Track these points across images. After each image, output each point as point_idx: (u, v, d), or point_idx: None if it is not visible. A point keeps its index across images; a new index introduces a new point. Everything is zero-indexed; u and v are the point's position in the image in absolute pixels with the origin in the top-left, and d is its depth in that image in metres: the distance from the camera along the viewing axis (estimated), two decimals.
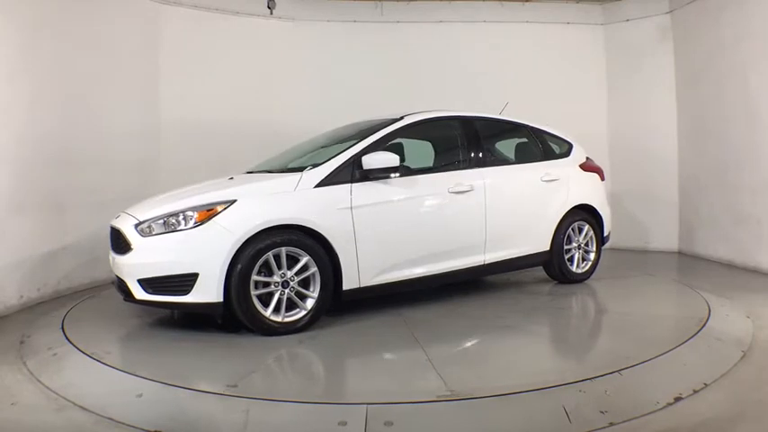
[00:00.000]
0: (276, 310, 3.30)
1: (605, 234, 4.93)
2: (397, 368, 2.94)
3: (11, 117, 4.22)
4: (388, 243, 3.66)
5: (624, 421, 2.31)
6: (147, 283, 3.24)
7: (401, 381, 2.69)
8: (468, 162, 4.20)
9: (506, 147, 4.76)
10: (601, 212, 4.84)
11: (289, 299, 3.34)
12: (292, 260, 3.35)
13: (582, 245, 4.71)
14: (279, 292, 3.31)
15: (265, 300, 3.29)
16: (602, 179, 5.00)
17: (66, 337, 3.29)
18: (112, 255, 3.55)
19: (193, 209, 3.27)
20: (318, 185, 3.49)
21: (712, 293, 4.25)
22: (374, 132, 3.84)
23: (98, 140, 5.09)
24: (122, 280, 3.37)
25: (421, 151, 4.43)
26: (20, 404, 2.57)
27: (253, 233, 3.21)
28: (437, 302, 4.10)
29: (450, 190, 3.96)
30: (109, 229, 3.66)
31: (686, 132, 6.59)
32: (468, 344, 3.28)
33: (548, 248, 4.49)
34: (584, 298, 4.36)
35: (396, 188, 3.72)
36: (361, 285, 3.57)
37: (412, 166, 4.04)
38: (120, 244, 3.45)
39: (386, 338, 3.33)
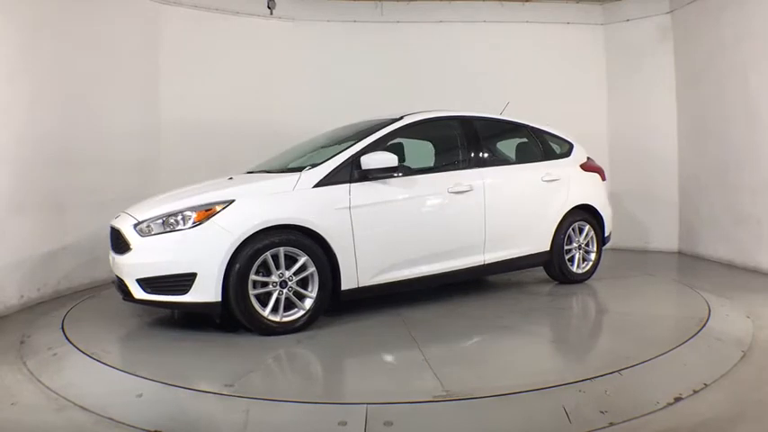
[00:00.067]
0: (274, 309, 3.30)
1: (606, 234, 4.93)
2: (394, 368, 2.94)
3: (11, 117, 4.22)
4: (386, 243, 3.66)
5: (624, 421, 2.31)
6: (145, 283, 3.25)
7: (398, 381, 2.69)
8: (467, 162, 4.20)
9: (506, 147, 4.76)
10: (601, 213, 4.84)
11: (287, 299, 3.34)
12: (291, 260, 3.35)
13: (582, 245, 4.71)
14: (277, 291, 3.31)
15: (264, 299, 3.29)
16: (604, 179, 5.00)
17: (67, 337, 3.29)
18: (112, 254, 3.56)
19: (192, 209, 3.27)
20: (317, 185, 3.49)
21: (712, 293, 4.25)
22: (373, 132, 3.84)
23: (98, 140, 5.09)
24: (122, 279, 3.38)
25: (420, 151, 4.42)
26: (20, 404, 2.57)
27: (251, 233, 3.22)
28: (437, 302, 4.10)
29: (450, 190, 3.95)
30: (109, 229, 3.66)
31: (686, 132, 6.58)
32: (467, 344, 3.27)
33: (548, 249, 4.49)
34: (585, 298, 4.35)
35: (394, 188, 3.72)
36: (360, 285, 3.57)
37: (411, 166, 4.04)
38: (119, 244, 3.45)
39: (384, 338, 3.33)
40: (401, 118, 4.05)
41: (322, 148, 4.16)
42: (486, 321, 3.65)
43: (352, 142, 3.77)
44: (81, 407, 2.49)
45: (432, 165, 4.33)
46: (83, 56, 4.93)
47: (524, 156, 4.69)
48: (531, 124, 4.75)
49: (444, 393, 2.42)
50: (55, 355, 3.08)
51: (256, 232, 3.24)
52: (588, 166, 4.87)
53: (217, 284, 3.16)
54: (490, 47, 6.95)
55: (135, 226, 3.34)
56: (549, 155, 4.70)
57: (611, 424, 2.29)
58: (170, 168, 5.76)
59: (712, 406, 2.48)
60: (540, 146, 4.70)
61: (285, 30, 6.63)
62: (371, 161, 3.57)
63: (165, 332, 3.51)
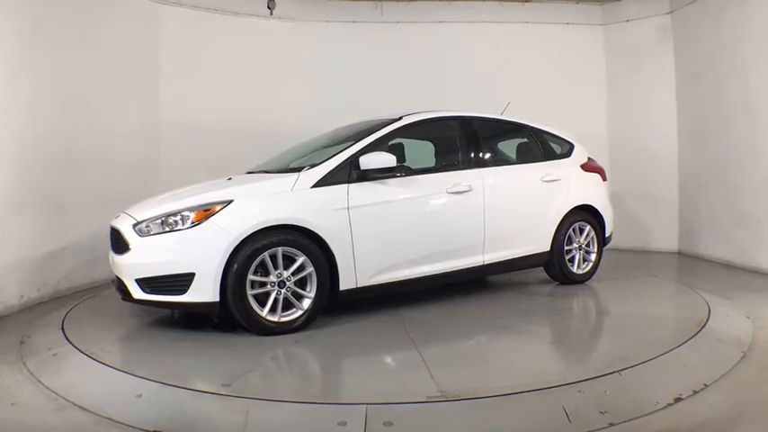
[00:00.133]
0: (272, 309, 3.31)
1: (607, 235, 4.92)
2: (391, 369, 2.94)
3: (11, 117, 4.22)
4: (385, 243, 3.67)
5: (624, 422, 2.31)
6: (144, 283, 3.26)
7: (395, 381, 2.69)
8: (467, 162, 4.20)
9: (506, 147, 4.75)
10: (602, 213, 4.83)
11: (285, 299, 3.34)
12: (289, 260, 3.35)
13: (583, 245, 4.70)
14: (275, 291, 3.31)
15: (262, 299, 3.29)
16: (604, 179, 5.00)
17: (66, 338, 3.29)
18: (111, 254, 3.56)
19: (190, 209, 3.28)
20: (315, 186, 3.50)
21: (712, 294, 4.25)
22: (372, 133, 3.84)
23: (98, 140, 5.09)
24: (121, 279, 3.39)
25: (420, 151, 4.42)
26: (20, 404, 2.57)
27: (249, 233, 3.22)
28: (436, 303, 4.10)
29: (449, 190, 3.95)
30: (109, 229, 3.66)
31: (686, 132, 6.58)
32: (466, 344, 3.26)
33: (548, 249, 4.49)
34: (585, 299, 4.35)
35: (393, 188, 3.72)
36: (359, 285, 3.57)
37: (411, 167, 4.03)
38: (118, 244, 3.45)
39: (382, 339, 3.33)
40: (400, 118, 4.05)
41: (322, 148, 4.16)
42: (485, 322, 3.65)
43: (351, 143, 3.77)
44: (81, 407, 2.49)
45: (431, 165, 4.33)
46: (83, 56, 4.93)
47: (524, 156, 4.69)
48: (532, 124, 4.74)
49: (439, 394, 2.41)
50: (55, 355, 3.08)
51: (254, 232, 3.24)
52: (589, 167, 4.87)
53: (215, 284, 3.17)
54: (490, 47, 6.95)
55: (134, 226, 3.35)
56: (549, 155, 4.70)
57: (611, 424, 2.29)
58: (170, 168, 5.76)
59: (712, 406, 2.48)
60: (540, 146, 4.70)
61: (285, 30, 6.63)
62: (370, 161, 3.57)
63: (164, 332, 3.51)
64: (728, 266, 5.73)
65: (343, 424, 2.23)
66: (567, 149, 4.85)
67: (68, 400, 2.56)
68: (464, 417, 2.31)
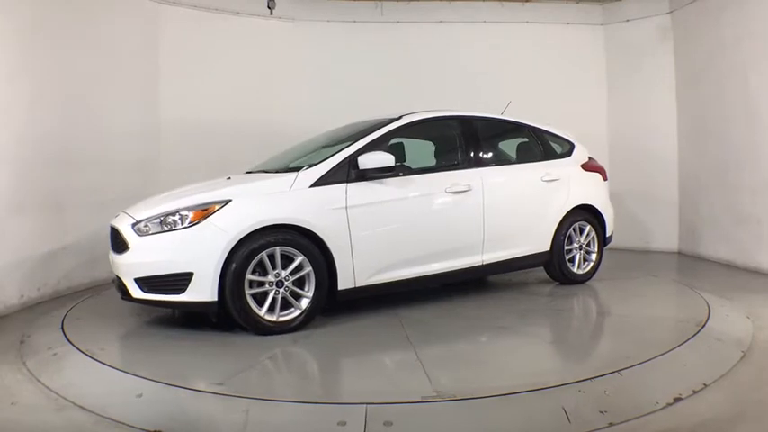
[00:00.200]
0: (271, 309, 3.31)
1: (608, 234, 4.91)
2: (389, 368, 2.93)
3: (11, 117, 4.22)
4: (383, 243, 3.67)
5: (624, 421, 2.31)
6: (143, 282, 3.27)
7: (393, 381, 2.69)
8: (466, 162, 4.19)
9: (506, 147, 4.75)
10: (603, 213, 4.82)
11: (283, 298, 3.35)
12: (287, 260, 3.36)
13: (583, 245, 4.69)
14: (273, 291, 3.32)
15: (260, 299, 3.30)
16: (605, 179, 4.99)
17: (66, 337, 3.29)
18: (111, 254, 3.57)
19: (188, 209, 3.29)
20: (314, 185, 3.50)
21: (712, 294, 4.25)
22: (371, 132, 3.84)
23: (98, 140, 5.09)
24: (120, 279, 3.40)
25: (419, 151, 4.42)
26: (20, 404, 2.57)
27: (246, 233, 3.23)
28: (434, 303, 4.09)
29: (448, 190, 3.95)
30: (109, 228, 3.66)
31: (686, 132, 6.58)
32: (465, 344, 3.25)
33: (548, 249, 4.49)
34: (585, 299, 4.35)
35: (391, 188, 3.72)
36: (357, 285, 3.57)
37: (410, 166, 4.03)
38: (118, 243, 3.46)
39: (380, 338, 3.33)
40: (399, 118, 4.05)
41: (322, 147, 4.16)
42: (483, 322, 3.65)
43: (350, 142, 3.78)
44: (81, 407, 2.49)
45: (430, 165, 4.33)
46: (83, 56, 4.93)
47: (524, 155, 4.69)
48: (532, 124, 4.74)
49: (435, 394, 2.41)
50: (55, 354, 3.08)
51: (252, 232, 3.25)
52: (589, 166, 4.86)
53: (213, 284, 3.18)
54: (490, 47, 6.95)
55: (133, 225, 3.36)
56: (549, 155, 4.69)
57: (611, 424, 2.29)
58: (170, 168, 5.76)
59: (712, 406, 2.48)
60: (540, 146, 4.70)
61: (285, 30, 6.63)
62: (368, 161, 3.57)
63: (163, 331, 3.52)
64: (729, 266, 5.73)
65: (343, 424, 2.23)
66: (568, 149, 4.85)
67: (68, 400, 2.56)
68: (463, 417, 2.31)
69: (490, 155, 4.45)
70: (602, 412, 2.35)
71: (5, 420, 2.43)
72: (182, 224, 3.25)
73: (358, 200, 3.56)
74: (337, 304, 3.63)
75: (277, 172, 3.82)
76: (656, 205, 6.83)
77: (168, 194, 3.70)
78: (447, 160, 4.39)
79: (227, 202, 3.30)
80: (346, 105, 6.22)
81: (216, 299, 3.20)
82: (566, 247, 4.57)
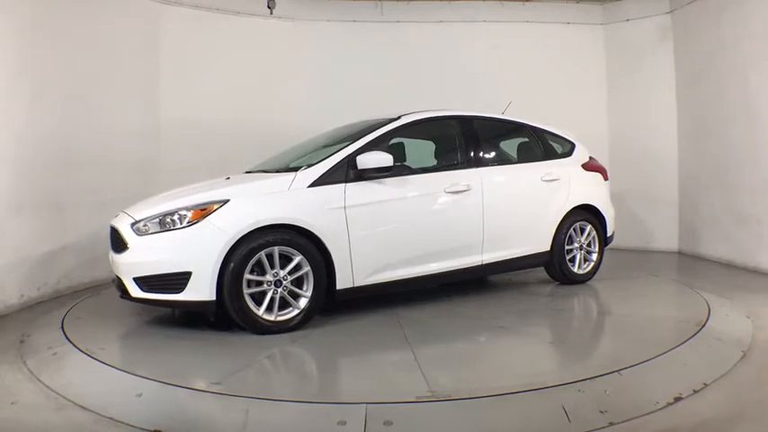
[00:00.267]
0: (269, 308, 3.32)
1: (609, 234, 4.91)
2: (387, 368, 2.92)
3: (11, 117, 4.22)
4: (382, 243, 3.67)
5: (624, 421, 2.31)
6: (142, 282, 3.27)
7: (391, 381, 2.68)
8: (465, 162, 4.19)
9: (506, 146, 4.75)
10: (603, 213, 4.81)
11: (282, 298, 3.35)
12: (286, 259, 3.36)
13: (584, 245, 4.69)
14: (272, 290, 3.32)
15: (258, 298, 3.30)
16: (606, 179, 4.99)
17: (66, 337, 3.29)
18: (111, 253, 3.57)
19: (187, 208, 3.30)
20: (312, 185, 3.50)
21: (712, 294, 4.24)
22: (370, 132, 3.84)
23: (98, 140, 5.09)
24: (120, 278, 3.40)
25: (418, 151, 4.42)
26: (20, 403, 2.57)
27: (245, 233, 3.23)
28: (433, 302, 4.09)
29: (447, 190, 3.95)
30: (109, 228, 3.67)
31: (686, 132, 6.58)
32: (463, 344, 3.24)
33: (548, 249, 4.48)
34: (585, 299, 4.35)
35: (390, 188, 3.72)
36: (355, 285, 3.58)
37: (409, 166, 4.03)
38: (117, 243, 3.47)
39: (378, 338, 3.33)
40: (398, 118, 4.05)
41: (322, 147, 4.16)
42: (482, 322, 3.64)
43: (348, 142, 3.78)
44: (81, 406, 2.49)
45: (429, 164, 4.32)
46: (83, 56, 4.93)
47: (524, 155, 4.68)
48: (532, 123, 4.74)
49: (429, 394, 2.41)
50: (55, 354, 3.08)
51: (251, 231, 3.25)
52: (590, 166, 4.86)
53: (211, 283, 3.18)
54: (490, 47, 6.95)
55: (132, 225, 3.37)
56: (549, 154, 4.69)
57: (611, 424, 2.29)
58: (170, 168, 5.76)
59: (712, 406, 2.48)
60: (540, 145, 4.69)
61: (285, 29, 6.63)
62: (367, 161, 3.57)
63: (162, 330, 3.52)
64: (729, 266, 5.73)
65: (343, 423, 2.23)
66: (569, 149, 4.84)
67: (68, 400, 2.56)
68: (463, 417, 2.31)
69: (490, 154, 4.45)
70: (602, 412, 2.35)
71: (6, 420, 2.43)
72: (180, 224, 3.26)
73: (356, 200, 3.56)
74: (336, 304, 3.64)
75: (276, 172, 3.82)
76: (656, 205, 6.83)
77: (167, 194, 3.71)
78: (446, 160, 4.39)
79: (226, 201, 3.30)
80: (346, 105, 6.22)
81: (214, 298, 3.20)
82: (566, 247, 4.57)
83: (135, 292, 3.31)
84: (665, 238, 6.80)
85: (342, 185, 3.56)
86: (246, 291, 3.25)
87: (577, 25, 7.08)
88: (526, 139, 4.75)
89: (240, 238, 3.23)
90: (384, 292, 3.82)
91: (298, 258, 3.37)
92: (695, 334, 3.20)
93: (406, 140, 4.25)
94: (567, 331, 3.63)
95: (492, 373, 2.76)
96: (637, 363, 2.73)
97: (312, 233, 3.40)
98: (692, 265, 6.09)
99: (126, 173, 5.38)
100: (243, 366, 2.80)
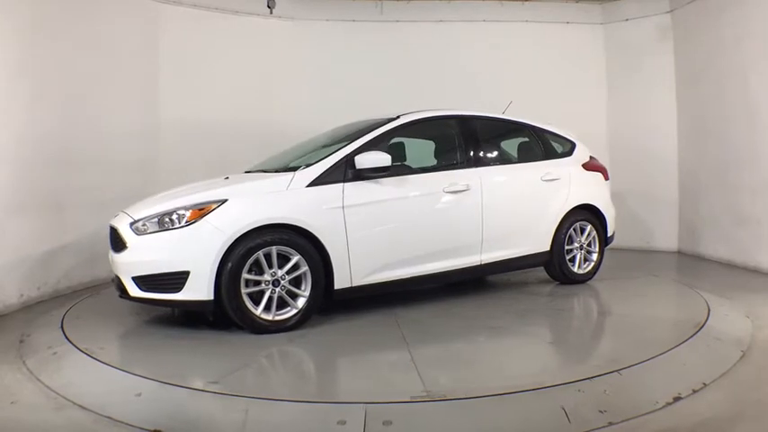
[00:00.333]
0: (267, 308, 3.32)
1: (609, 234, 4.90)
2: (384, 368, 2.91)
3: (11, 117, 4.22)
4: (380, 243, 3.67)
5: (623, 421, 2.31)
6: (140, 281, 3.28)
7: (389, 381, 2.68)
8: (464, 161, 4.19)
9: (506, 146, 4.74)
10: (604, 212, 4.80)
11: (280, 297, 3.35)
12: (284, 259, 3.37)
13: (584, 245, 4.68)
14: (269, 290, 3.33)
15: (256, 298, 3.31)
16: (607, 179, 4.98)
17: (66, 336, 3.29)
18: (111, 253, 3.58)
19: (185, 208, 3.30)
20: (310, 185, 3.50)
21: (712, 293, 4.24)
22: (368, 132, 3.84)
23: (98, 140, 5.09)
24: (119, 277, 3.41)
25: (417, 151, 4.42)
26: (19, 403, 2.57)
27: (242, 232, 3.24)
28: (432, 302, 4.09)
29: (446, 189, 3.95)
30: (108, 228, 3.67)
31: (686, 132, 6.58)
32: (462, 344, 3.23)
33: (548, 249, 4.48)
34: (585, 299, 4.34)
35: (388, 188, 3.72)
36: (353, 285, 3.58)
37: (408, 166, 4.03)
38: (117, 242, 3.48)
39: (375, 338, 3.33)
40: (397, 117, 4.05)
41: (321, 147, 4.16)
42: (481, 322, 3.63)
43: (347, 142, 3.78)
44: (80, 406, 2.49)
45: (428, 164, 4.32)
46: (83, 56, 4.93)
47: (524, 155, 4.68)
48: (532, 123, 4.73)
49: (424, 394, 2.41)
50: (54, 353, 3.08)
51: (249, 231, 3.26)
52: (591, 166, 4.85)
53: (209, 283, 3.19)
54: (490, 46, 6.94)
55: (131, 225, 3.37)
56: (549, 154, 4.68)
57: (610, 423, 2.29)
58: (170, 168, 5.75)
59: (711, 405, 2.48)
60: (540, 145, 4.69)
61: (285, 29, 6.63)
62: (365, 161, 3.57)
63: (161, 330, 3.52)
64: (729, 266, 5.73)
65: (343, 423, 2.23)
66: (569, 148, 4.84)
67: (68, 399, 2.56)
68: (462, 417, 2.31)
69: (489, 154, 4.44)
70: (601, 412, 2.34)
71: (5, 419, 2.43)
72: (179, 223, 3.27)
73: (355, 199, 3.57)
74: (334, 304, 3.64)
75: (275, 171, 3.82)
76: (655, 205, 6.83)
77: (166, 194, 3.72)
78: (446, 160, 4.39)
79: (224, 201, 3.31)
80: (346, 105, 6.21)
81: (212, 298, 3.21)
82: (566, 247, 4.57)
83: (133, 291, 3.31)
84: (665, 237, 6.80)
85: (340, 185, 3.56)
86: (244, 290, 3.25)
87: (577, 25, 7.08)
88: (526, 139, 4.75)
89: (238, 238, 3.23)
90: (382, 292, 3.82)
91: (296, 258, 3.37)
92: (695, 334, 3.20)
93: (407, 140, 4.25)
94: (567, 331, 3.63)
95: (490, 373, 2.76)
96: (636, 363, 2.73)
97: (310, 233, 3.40)
98: (691, 264, 6.09)
99: (126, 173, 5.38)
100: (241, 366, 2.81)
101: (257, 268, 3.31)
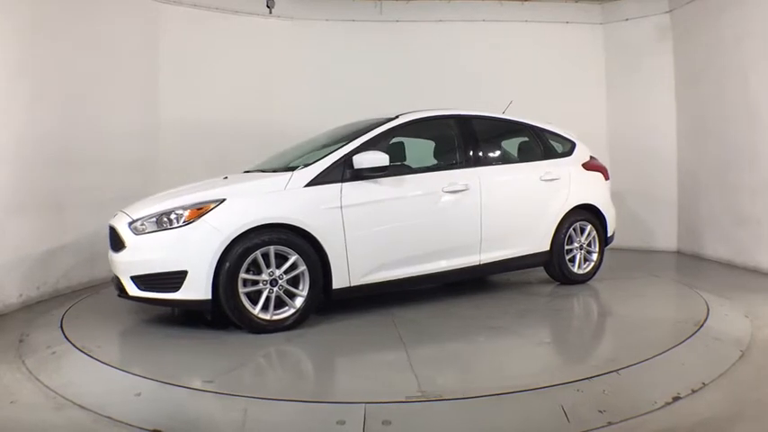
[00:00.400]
0: (265, 308, 3.33)
1: (609, 234, 4.89)
2: (377, 368, 2.90)
3: (11, 117, 4.23)
4: (378, 242, 3.67)
5: (622, 421, 2.31)
6: (139, 280, 3.29)
7: (386, 381, 2.68)
8: (464, 161, 4.19)
9: (505, 146, 4.74)
10: (604, 212, 4.80)
11: (277, 297, 3.36)
12: (282, 258, 3.37)
13: (584, 245, 4.68)
14: (267, 290, 3.33)
15: (254, 297, 3.31)
16: (607, 178, 4.97)
17: (65, 336, 3.29)
18: (110, 252, 3.58)
19: (184, 208, 3.31)
20: (309, 185, 3.51)
21: (712, 293, 4.24)
22: (367, 132, 3.84)
23: (98, 140, 5.09)
24: (118, 277, 3.42)
25: (416, 150, 4.41)
26: (19, 403, 2.57)
27: (240, 232, 3.24)
28: (430, 302, 4.09)
29: (445, 189, 3.95)
30: (108, 228, 3.67)
31: (686, 132, 6.58)
32: (459, 344, 3.22)
33: (547, 249, 4.48)
34: (585, 299, 4.34)
35: (387, 187, 3.72)
36: (351, 285, 3.58)
37: (407, 166, 4.02)
38: (116, 242, 3.49)
39: (373, 338, 3.34)
40: (396, 117, 4.05)
41: (321, 147, 4.15)
42: (479, 322, 3.63)
43: (345, 142, 3.78)
44: (80, 405, 2.49)
45: (427, 164, 4.31)
46: (83, 56, 4.93)
47: (523, 155, 4.68)
48: (531, 123, 4.72)
49: (420, 394, 2.40)
50: (54, 353, 3.09)
51: (247, 231, 3.26)
52: (591, 165, 4.84)
53: (207, 282, 3.19)
54: (490, 46, 6.95)
55: (130, 224, 3.38)
56: (549, 154, 4.68)
57: (610, 423, 2.29)
58: (170, 168, 5.76)
59: (711, 405, 2.48)
60: (540, 145, 4.68)
61: (284, 29, 6.63)
62: (363, 160, 3.57)
63: (160, 329, 3.53)
64: (728, 266, 5.73)
65: (342, 423, 2.23)
66: (569, 148, 4.83)
67: (67, 399, 2.56)
68: (462, 417, 2.31)
69: (488, 154, 4.44)
70: (600, 411, 2.35)
71: (5, 419, 2.43)
72: (177, 223, 3.27)
73: (353, 199, 3.57)
74: (331, 303, 3.64)
75: (274, 171, 3.82)
76: (655, 205, 6.83)
77: (165, 194, 3.72)
78: (445, 159, 4.39)
79: (222, 201, 3.31)
80: (346, 105, 6.21)
81: (210, 297, 3.22)
82: (566, 247, 4.56)
83: (132, 290, 3.32)
84: (665, 237, 6.80)
85: (338, 185, 3.56)
86: (242, 290, 3.26)
87: (576, 25, 7.08)
88: (526, 139, 4.74)
89: (236, 238, 3.24)
90: (380, 292, 3.82)
91: (293, 258, 3.37)
92: (694, 334, 3.20)
93: (407, 139, 4.25)
94: (566, 331, 3.63)
95: (488, 373, 2.76)
96: (635, 362, 2.73)
97: (308, 233, 3.40)
98: (691, 264, 6.09)
99: (125, 173, 5.38)
100: (238, 365, 2.81)
101: (255, 268, 3.31)
